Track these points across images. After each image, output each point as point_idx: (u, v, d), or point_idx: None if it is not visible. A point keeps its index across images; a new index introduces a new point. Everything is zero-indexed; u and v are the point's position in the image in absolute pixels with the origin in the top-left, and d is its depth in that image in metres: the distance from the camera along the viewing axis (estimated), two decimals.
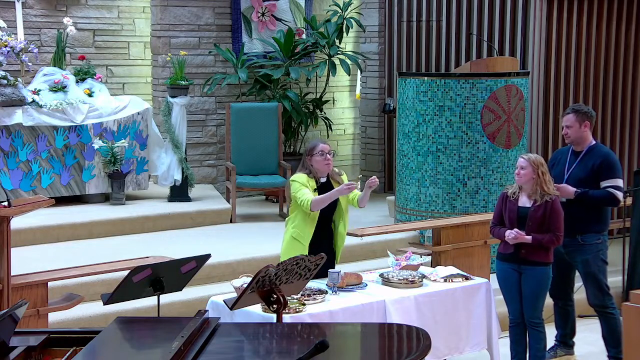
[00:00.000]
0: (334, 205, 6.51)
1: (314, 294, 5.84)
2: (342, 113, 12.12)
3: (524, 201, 6.50)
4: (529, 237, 6.38)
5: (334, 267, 6.55)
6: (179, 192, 9.77)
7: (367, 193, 6.50)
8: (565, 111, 7.06)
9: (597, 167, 6.76)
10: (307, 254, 6.27)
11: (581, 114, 6.85)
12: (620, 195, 6.79)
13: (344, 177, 6.63)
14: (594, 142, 6.93)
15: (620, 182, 6.79)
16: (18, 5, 9.70)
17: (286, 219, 6.63)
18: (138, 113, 9.77)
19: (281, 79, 10.97)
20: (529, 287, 6.48)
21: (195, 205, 9.66)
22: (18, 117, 9.08)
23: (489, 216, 7.43)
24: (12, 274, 5.84)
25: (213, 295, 6.13)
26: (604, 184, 6.74)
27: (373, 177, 6.39)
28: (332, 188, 6.48)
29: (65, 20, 9.84)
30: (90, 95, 9.61)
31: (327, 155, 6.48)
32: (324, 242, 6.48)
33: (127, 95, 10.20)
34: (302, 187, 6.39)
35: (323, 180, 6.52)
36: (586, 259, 6.82)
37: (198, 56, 10.76)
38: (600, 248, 6.84)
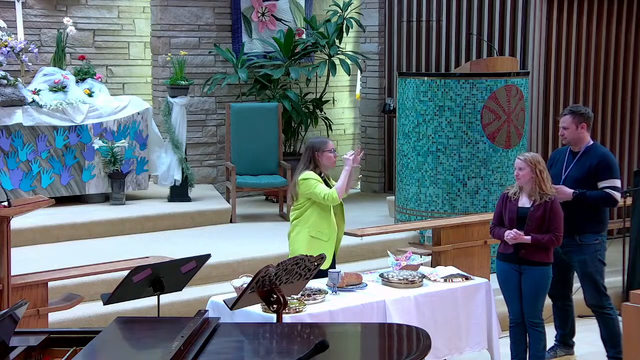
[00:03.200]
0: None
1: (314, 294, 5.84)
2: (342, 113, 12.12)
3: (524, 202, 6.51)
4: (528, 238, 6.39)
5: (334, 261, 6.58)
6: (179, 192, 9.77)
7: (344, 178, 6.58)
8: (562, 112, 7.02)
9: (594, 168, 6.73)
10: (332, 250, 6.35)
11: (578, 115, 6.81)
12: (617, 195, 6.75)
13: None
14: (591, 142, 6.90)
15: (617, 183, 6.76)
16: (18, 5, 9.70)
17: (292, 221, 6.59)
18: (138, 113, 9.77)
19: (281, 79, 10.97)
20: (529, 287, 6.48)
21: (195, 205, 9.66)
22: (18, 117, 9.08)
23: (489, 216, 7.43)
24: (12, 274, 5.84)
25: (213, 295, 6.14)
26: (601, 184, 6.71)
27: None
28: (328, 184, 6.56)
29: (65, 20, 9.84)
30: (90, 95, 9.61)
31: (335, 152, 6.64)
32: None
33: (127, 95, 10.20)
34: (318, 182, 6.46)
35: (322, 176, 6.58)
36: (584, 259, 6.81)
37: (198, 56, 10.76)
38: (598, 249, 6.82)
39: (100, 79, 9.87)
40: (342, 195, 6.48)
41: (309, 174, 6.50)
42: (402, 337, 4.23)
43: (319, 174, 6.53)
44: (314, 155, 6.55)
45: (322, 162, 6.54)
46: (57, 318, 6.55)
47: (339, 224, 6.63)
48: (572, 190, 6.69)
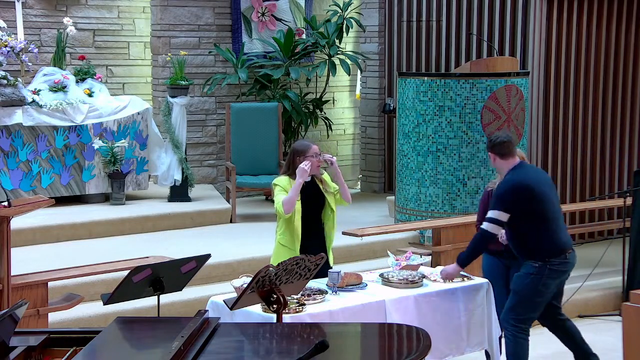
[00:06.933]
0: (321, 204, 6.45)
1: (314, 294, 5.83)
2: (342, 113, 12.12)
3: None
4: None
5: (330, 268, 6.50)
6: (179, 192, 9.77)
7: (339, 183, 6.39)
8: None
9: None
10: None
11: (486, 147, 6.42)
12: (494, 228, 6.17)
13: (326, 176, 6.52)
14: (511, 168, 6.27)
15: (497, 215, 6.15)
16: (18, 5, 9.70)
17: (276, 225, 6.54)
18: (138, 113, 9.77)
19: (281, 79, 10.97)
20: None
21: (195, 205, 9.66)
22: (18, 117, 9.08)
23: None
24: (12, 274, 5.84)
25: (213, 295, 6.13)
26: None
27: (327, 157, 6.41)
28: (317, 187, 6.42)
29: (65, 20, 9.84)
30: (90, 95, 9.61)
31: (319, 157, 6.39)
32: (314, 244, 6.37)
33: (127, 95, 10.20)
34: (281, 192, 6.30)
35: (307, 179, 6.38)
36: (517, 275, 6.36)
37: (198, 56, 10.76)
38: (534, 272, 6.25)
39: (100, 79, 9.87)
40: (289, 209, 6.22)
41: (279, 180, 6.38)
42: (402, 337, 4.23)
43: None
44: (294, 160, 6.37)
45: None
46: (57, 318, 6.55)
47: (327, 231, 6.52)
48: (454, 264, 6.32)
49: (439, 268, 6.70)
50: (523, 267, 6.33)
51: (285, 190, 6.31)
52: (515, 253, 6.40)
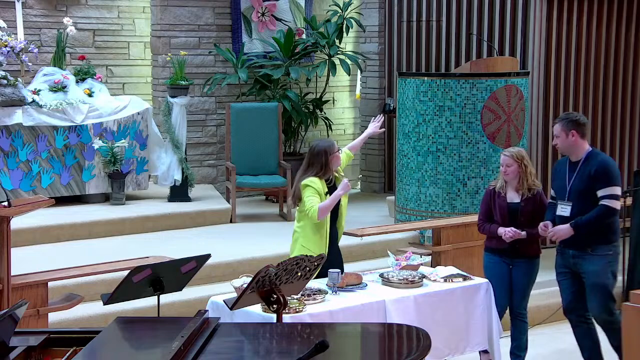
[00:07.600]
0: (338, 202, 6.51)
1: (314, 294, 5.83)
2: (342, 113, 12.12)
3: (512, 196, 6.62)
4: (524, 233, 6.55)
5: (339, 260, 6.58)
6: (179, 192, 9.77)
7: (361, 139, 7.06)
8: (554, 121, 6.73)
9: (593, 176, 6.34)
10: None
11: (567, 122, 6.42)
12: (616, 204, 6.33)
13: (339, 169, 6.64)
14: (590, 149, 6.47)
15: (616, 190, 6.33)
16: (18, 5, 9.70)
17: (294, 226, 6.55)
18: (138, 113, 9.77)
19: (281, 79, 10.97)
20: (521, 278, 6.63)
21: (195, 205, 9.66)
22: (18, 117, 9.08)
23: None
24: (12, 274, 5.84)
25: (213, 295, 6.13)
26: (599, 193, 6.32)
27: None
28: (336, 186, 6.50)
29: (65, 20, 9.84)
30: (90, 95, 9.61)
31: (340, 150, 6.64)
32: (335, 247, 6.52)
33: (127, 95, 10.20)
34: (315, 194, 6.34)
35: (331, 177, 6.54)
36: (595, 270, 6.43)
37: (198, 56, 10.76)
38: (610, 260, 6.43)
39: (100, 79, 9.87)
40: (323, 217, 6.32)
41: (313, 181, 6.38)
42: (402, 337, 4.23)
43: (327, 179, 6.47)
44: (327, 160, 6.43)
45: (333, 165, 6.48)
46: (57, 318, 6.55)
47: (340, 223, 6.62)
48: (568, 226, 6.35)
49: (439, 268, 6.71)
50: (590, 261, 6.35)
51: (318, 192, 6.36)
52: (579, 238, 6.35)
